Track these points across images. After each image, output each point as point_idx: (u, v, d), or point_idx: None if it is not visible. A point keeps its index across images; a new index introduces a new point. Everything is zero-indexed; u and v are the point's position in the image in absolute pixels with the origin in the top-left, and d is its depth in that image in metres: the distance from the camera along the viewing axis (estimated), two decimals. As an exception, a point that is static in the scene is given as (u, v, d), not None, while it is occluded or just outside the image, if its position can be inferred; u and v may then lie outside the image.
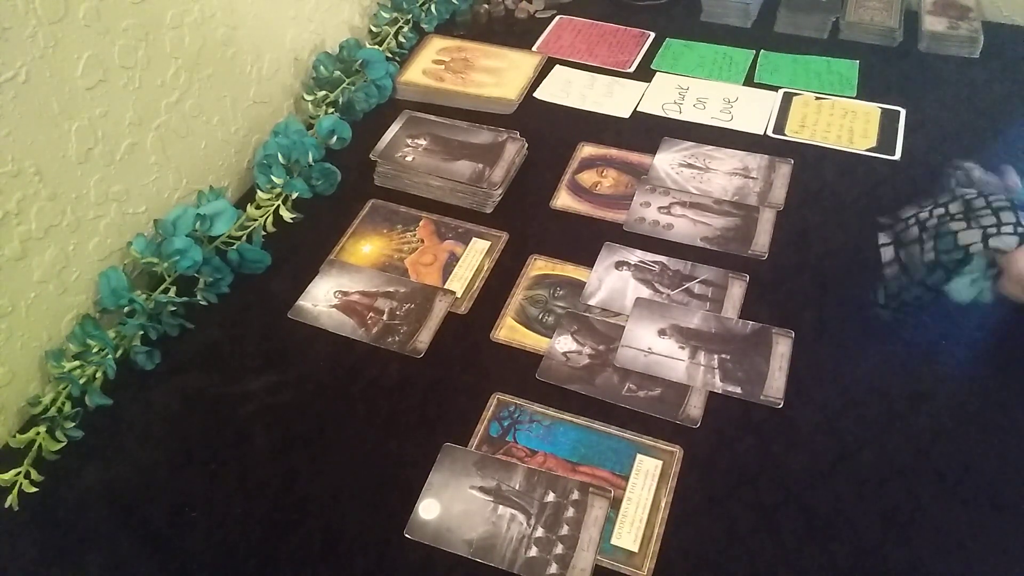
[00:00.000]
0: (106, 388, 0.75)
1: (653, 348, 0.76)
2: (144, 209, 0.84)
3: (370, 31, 1.17)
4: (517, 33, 1.20)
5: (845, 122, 1.00)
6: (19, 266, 0.71)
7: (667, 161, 0.96)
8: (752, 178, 0.93)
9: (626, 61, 1.13)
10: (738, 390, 0.72)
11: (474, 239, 0.88)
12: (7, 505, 0.67)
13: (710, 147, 0.97)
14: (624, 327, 0.77)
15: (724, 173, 0.94)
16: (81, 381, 0.73)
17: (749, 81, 1.08)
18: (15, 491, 0.67)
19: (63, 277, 0.76)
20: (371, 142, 0.98)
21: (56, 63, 0.70)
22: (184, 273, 0.81)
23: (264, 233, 0.89)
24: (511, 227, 0.89)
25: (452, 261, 0.86)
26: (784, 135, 0.99)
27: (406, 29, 1.16)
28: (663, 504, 0.65)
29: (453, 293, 0.82)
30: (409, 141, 0.98)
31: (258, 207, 0.92)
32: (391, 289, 0.83)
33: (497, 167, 0.93)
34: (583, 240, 0.87)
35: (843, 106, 1.02)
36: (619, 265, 0.84)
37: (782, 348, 0.75)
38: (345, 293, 0.83)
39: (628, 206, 0.91)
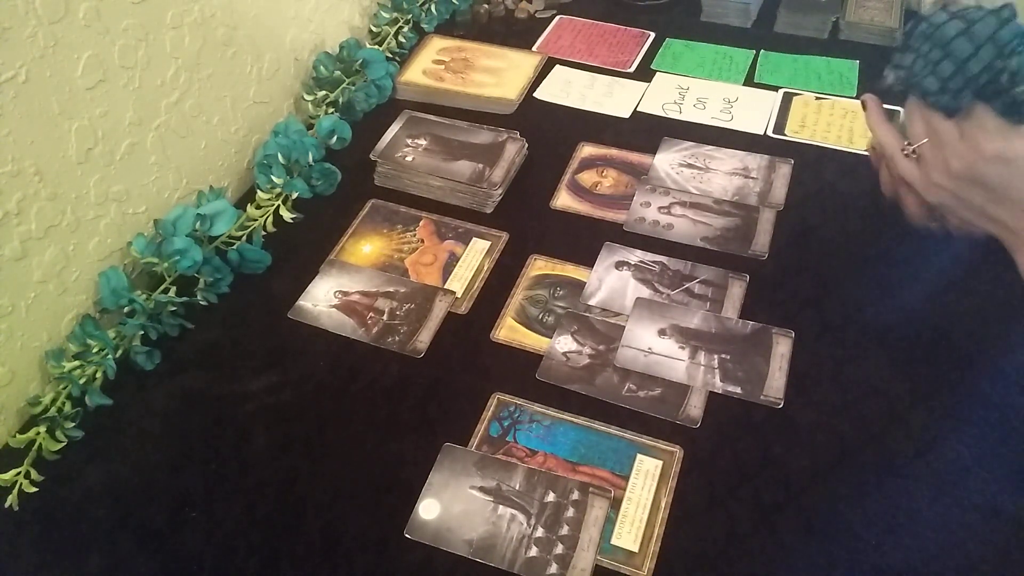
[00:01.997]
0: (106, 388, 0.75)
1: (653, 348, 0.76)
2: (144, 209, 0.84)
3: (370, 31, 1.17)
4: (517, 33, 1.20)
5: (845, 122, 1.00)
6: (19, 266, 0.71)
7: (667, 161, 0.96)
8: (752, 178, 0.93)
9: (626, 61, 1.13)
10: (738, 390, 0.72)
11: (474, 239, 0.88)
12: (7, 505, 0.67)
13: (710, 147, 0.97)
14: (624, 327, 0.77)
15: (724, 173, 0.94)
16: (81, 381, 0.73)
17: (749, 81, 1.08)
18: (15, 491, 0.67)
19: (63, 277, 0.76)
20: (371, 142, 0.97)
21: (56, 63, 0.70)
22: (184, 273, 0.81)
23: (264, 233, 0.89)
24: (511, 227, 0.89)
25: (452, 261, 0.86)
26: (784, 135, 0.99)
27: (406, 29, 1.16)
28: (663, 504, 0.65)
29: (453, 293, 0.82)
30: (409, 141, 0.98)
31: (258, 207, 0.92)
32: (391, 289, 0.83)
33: (497, 167, 0.93)
34: (583, 240, 0.87)
35: (843, 106, 1.02)
36: (619, 265, 0.84)
37: (782, 348, 0.75)
38: (345, 293, 0.83)
39: (628, 206, 0.91)
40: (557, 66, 1.13)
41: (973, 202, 0.60)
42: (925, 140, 0.61)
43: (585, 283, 0.82)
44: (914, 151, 0.62)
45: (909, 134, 0.63)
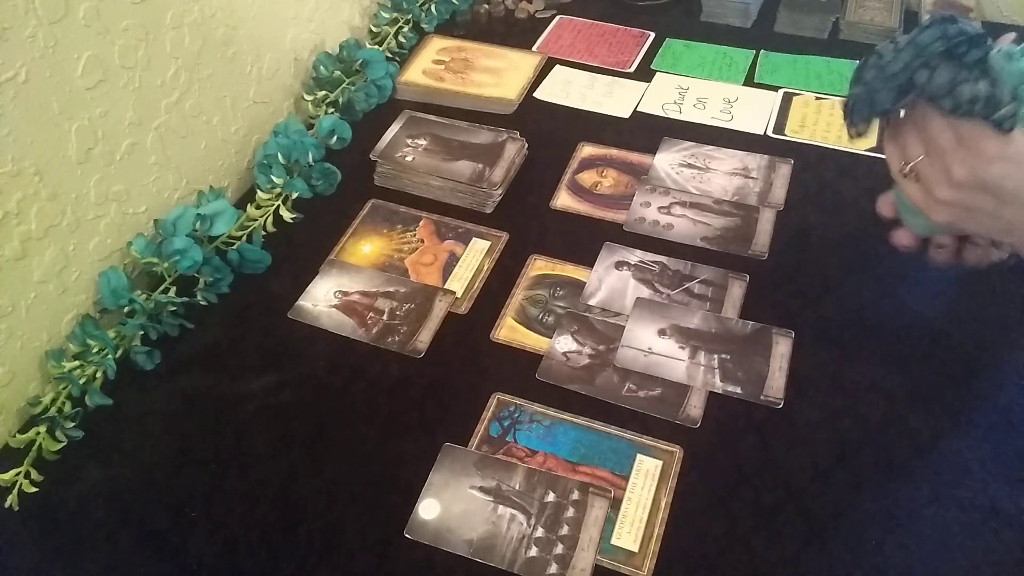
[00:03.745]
0: (106, 388, 0.75)
1: (653, 348, 0.76)
2: (144, 209, 0.84)
3: (370, 31, 1.17)
4: (517, 33, 1.20)
5: (845, 122, 1.00)
6: (19, 266, 0.71)
7: (667, 161, 0.96)
8: (752, 178, 0.93)
9: (626, 61, 1.13)
10: (738, 390, 0.72)
11: (474, 239, 0.88)
12: (7, 505, 0.67)
13: (710, 147, 0.97)
14: (624, 327, 0.77)
15: (724, 173, 0.94)
16: (81, 381, 0.73)
17: (749, 81, 1.08)
18: (15, 491, 0.67)
19: (63, 277, 0.76)
20: (371, 142, 0.97)
21: (56, 63, 0.70)
22: (184, 273, 0.81)
23: (264, 233, 0.89)
24: (511, 227, 0.89)
25: (452, 261, 0.86)
26: (784, 135, 0.99)
27: (406, 29, 1.16)
28: (663, 504, 0.65)
29: (453, 293, 0.82)
30: (409, 141, 0.98)
31: (258, 207, 0.92)
32: (391, 289, 0.83)
33: (497, 167, 0.93)
34: (583, 240, 0.87)
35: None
36: (619, 265, 0.84)
37: (782, 348, 0.75)
38: (345, 293, 0.83)
39: (628, 206, 0.91)
40: (557, 66, 1.13)
41: (984, 210, 0.57)
42: (922, 156, 0.59)
43: (585, 283, 0.82)
44: (911, 169, 0.60)
45: (905, 155, 0.61)
